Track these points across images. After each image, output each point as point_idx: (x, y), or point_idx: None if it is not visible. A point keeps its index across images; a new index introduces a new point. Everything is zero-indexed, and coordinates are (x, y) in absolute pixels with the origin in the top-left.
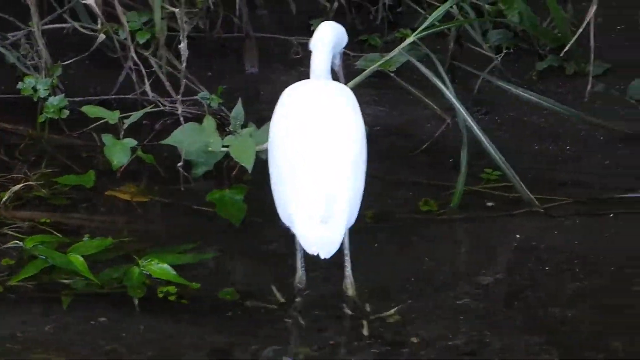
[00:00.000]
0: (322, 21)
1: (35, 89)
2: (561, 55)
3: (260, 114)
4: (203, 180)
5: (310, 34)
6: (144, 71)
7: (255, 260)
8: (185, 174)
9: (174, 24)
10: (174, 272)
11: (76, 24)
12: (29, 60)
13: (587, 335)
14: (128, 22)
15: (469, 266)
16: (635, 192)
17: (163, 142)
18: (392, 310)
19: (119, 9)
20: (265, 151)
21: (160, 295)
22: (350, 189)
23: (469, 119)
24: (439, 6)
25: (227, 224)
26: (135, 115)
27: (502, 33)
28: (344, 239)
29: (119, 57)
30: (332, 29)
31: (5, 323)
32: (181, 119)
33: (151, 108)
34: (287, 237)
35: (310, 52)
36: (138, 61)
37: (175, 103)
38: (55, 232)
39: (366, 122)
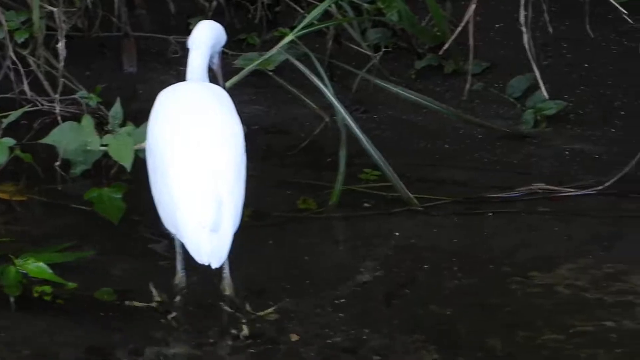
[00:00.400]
0: (201, 20)
1: None
2: (440, 53)
3: (139, 113)
4: (82, 179)
5: (189, 33)
6: (22, 70)
7: (134, 260)
8: (63, 173)
9: (52, 23)
10: (51, 271)
11: None
12: None
13: (466, 333)
14: (7, 21)
15: (349, 264)
16: (513, 191)
17: (41, 141)
18: (271, 309)
19: None
20: (144, 150)
21: (36, 295)
22: (236, 193)
23: (348, 118)
24: (318, 5)
25: (106, 223)
26: (14, 115)
27: (381, 32)
28: None
29: None
30: (210, 28)
31: None
32: (59, 118)
33: (30, 107)
34: (167, 236)
35: (188, 51)
36: (16, 60)
37: (54, 102)
38: None
39: (244, 122)
